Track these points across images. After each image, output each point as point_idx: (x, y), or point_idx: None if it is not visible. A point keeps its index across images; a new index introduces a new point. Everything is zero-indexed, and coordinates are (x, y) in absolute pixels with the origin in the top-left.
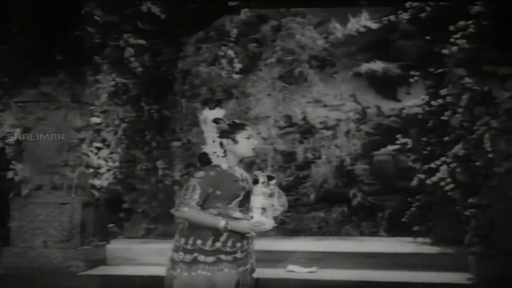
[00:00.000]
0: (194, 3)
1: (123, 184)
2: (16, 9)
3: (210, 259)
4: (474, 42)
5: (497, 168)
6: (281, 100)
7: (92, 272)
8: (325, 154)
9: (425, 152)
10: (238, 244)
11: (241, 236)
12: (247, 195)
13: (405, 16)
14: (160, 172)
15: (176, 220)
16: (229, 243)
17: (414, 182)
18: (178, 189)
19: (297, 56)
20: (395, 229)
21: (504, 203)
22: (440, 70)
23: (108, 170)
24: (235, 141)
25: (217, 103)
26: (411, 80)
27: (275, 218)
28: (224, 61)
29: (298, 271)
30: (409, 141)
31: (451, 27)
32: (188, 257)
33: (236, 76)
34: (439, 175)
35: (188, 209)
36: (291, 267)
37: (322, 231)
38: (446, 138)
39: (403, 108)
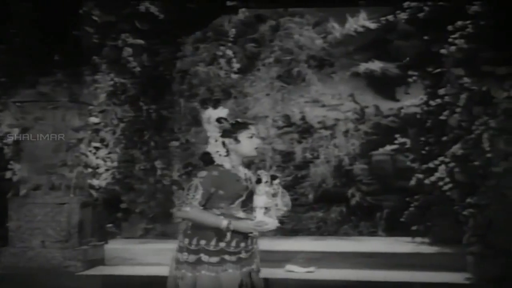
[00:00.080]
0: (192, 3)
1: (121, 184)
2: (14, 9)
3: (214, 259)
4: (472, 42)
5: (495, 168)
6: (279, 100)
7: (90, 272)
8: (323, 154)
9: (423, 152)
10: (242, 244)
11: (245, 236)
12: (251, 195)
13: (403, 16)
14: (159, 172)
15: (175, 220)
16: (233, 243)
17: (413, 182)
18: (176, 189)
19: (295, 56)
20: (394, 229)
21: (502, 203)
22: (438, 70)
23: (107, 170)
24: (237, 141)
25: (216, 103)
26: (410, 80)
27: (278, 218)
28: (222, 61)
29: (296, 271)
30: (407, 141)
31: (449, 27)
32: (192, 258)
33: (234, 76)
34: (437, 175)
35: (190, 209)
36: (289, 267)
37: (321, 231)
38: (444, 138)
39: (402, 108)
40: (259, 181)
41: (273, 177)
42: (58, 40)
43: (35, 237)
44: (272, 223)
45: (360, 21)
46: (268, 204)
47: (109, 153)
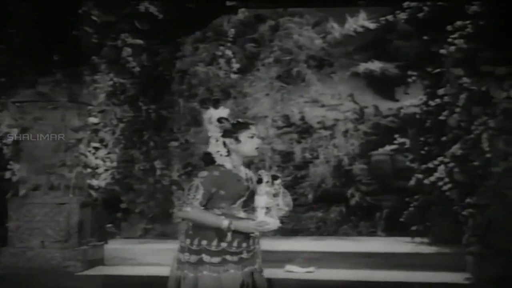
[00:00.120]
0: (191, 3)
1: (121, 184)
2: (13, 9)
3: (216, 259)
4: (471, 42)
5: (494, 168)
6: (279, 100)
7: (90, 272)
8: (323, 154)
9: (423, 152)
10: (244, 245)
11: (246, 236)
12: (252, 195)
13: (402, 16)
14: (158, 172)
15: (175, 220)
16: (235, 244)
17: (412, 182)
18: (176, 189)
19: (295, 56)
20: (393, 229)
21: (502, 203)
22: (438, 70)
23: (106, 170)
24: (238, 141)
25: (215, 103)
26: (409, 80)
27: (280, 218)
28: (222, 61)
29: (296, 271)
30: (407, 141)
31: (449, 27)
32: (194, 258)
33: (234, 76)
34: (436, 175)
35: (191, 209)
36: (289, 267)
37: (320, 231)
38: (444, 138)
39: (401, 108)
40: (260, 181)
41: (274, 177)
42: (58, 40)
43: (35, 237)
44: (273, 223)
45: (360, 21)
46: (269, 204)
47: (109, 153)
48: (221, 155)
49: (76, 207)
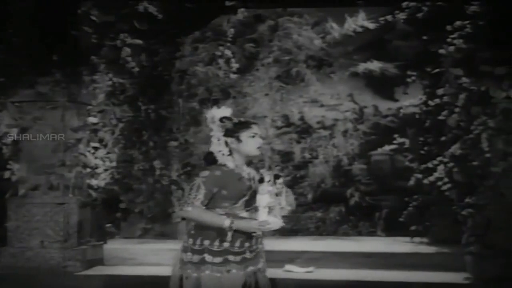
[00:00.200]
0: (191, 3)
1: (120, 184)
2: (13, 9)
3: (218, 259)
4: (470, 42)
5: (494, 168)
6: (278, 100)
7: (89, 272)
8: (322, 154)
9: (422, 152)
10: (247, 244)
11: (249, 236)
12: (254, 194)
13: (402, 16)
14: (157, 172)
15: (174, 220)
16: (237, 243)
17: (411, 182)
18: (175, 189)
19: (294, 56)
20: (392, 229)
21: (501, 202)
22: (437, 70)
23: (105, 170)
24: (239, 140)
25: (214, 103)
26: (408, 80)
27: (282, 217)
28: (221, 61)
29: (295, 271)
30: (406, 141)
31: (448, 27)
32: (196, 258)
33: (233, 76)
34: (436, 175)
35: (192, 208)
36: (288, 267)
37: (320, 231)
38: (443, 138)
39: (400, 108)
40: (262, 180)
41: (276, 177)
42: (57, 40)
43: (34, 237)
44: (275, 222)
45: (359, 21)
46: (271, 203)
47: (108, 153)
48: (223, 154)
49: (75, 207)
